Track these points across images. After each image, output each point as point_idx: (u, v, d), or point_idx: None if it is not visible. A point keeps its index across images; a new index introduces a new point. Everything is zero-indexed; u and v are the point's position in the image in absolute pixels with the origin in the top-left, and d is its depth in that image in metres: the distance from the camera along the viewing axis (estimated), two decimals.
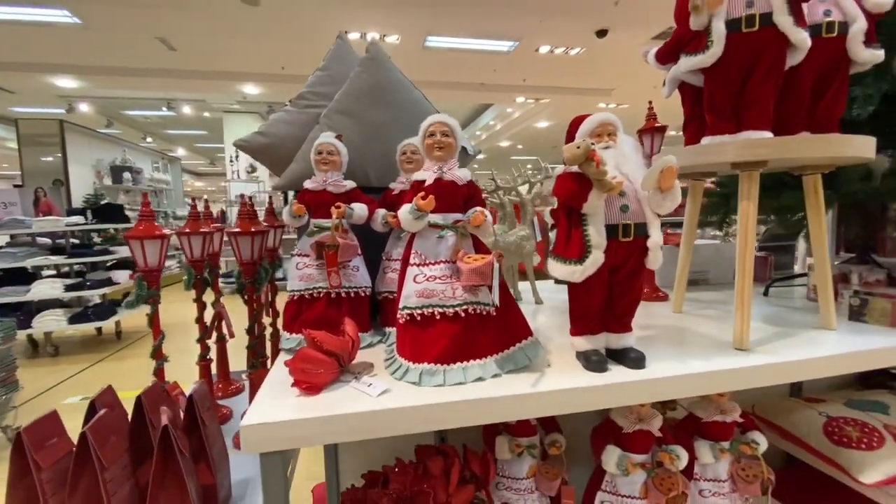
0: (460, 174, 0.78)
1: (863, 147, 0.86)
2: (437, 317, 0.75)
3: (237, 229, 1.10)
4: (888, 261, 1.30)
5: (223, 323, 1.28)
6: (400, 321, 0.78)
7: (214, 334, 1.25)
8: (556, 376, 0.75)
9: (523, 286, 1.46)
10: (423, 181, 0.78)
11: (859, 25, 0.87)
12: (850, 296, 1.08)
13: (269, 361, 1.29)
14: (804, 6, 0.84)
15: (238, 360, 1.32)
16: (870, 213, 1.39)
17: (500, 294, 0.78)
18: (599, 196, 0.72)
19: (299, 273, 0.95)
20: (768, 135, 0.86)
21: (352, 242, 0.93)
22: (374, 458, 1.04)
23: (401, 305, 0.78)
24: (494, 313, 0.78)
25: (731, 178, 1.43)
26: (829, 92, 0.92)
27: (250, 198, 1.43)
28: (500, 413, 0.69)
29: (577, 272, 0.74)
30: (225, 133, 9.66)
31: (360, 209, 0.95)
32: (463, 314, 0.75)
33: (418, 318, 0.76)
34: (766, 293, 1.41)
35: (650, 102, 1.40)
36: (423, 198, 0.72)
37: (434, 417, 0.66)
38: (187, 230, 1.11)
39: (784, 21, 0.80)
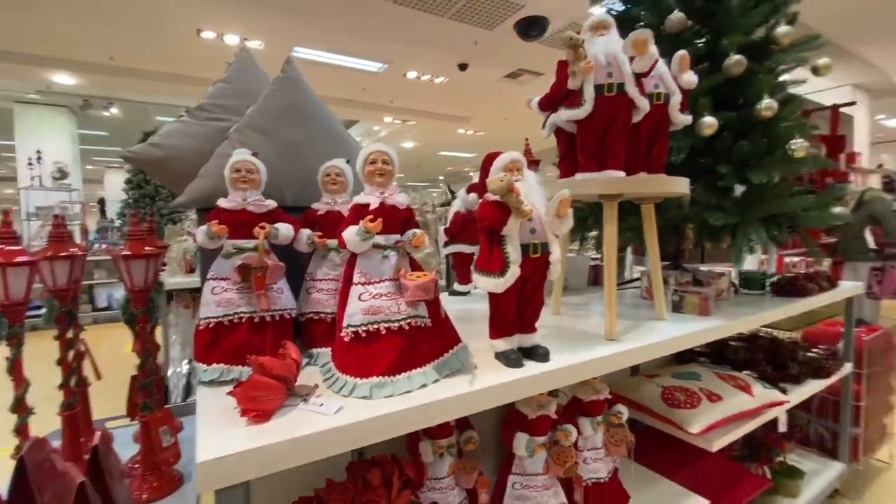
0: (400, 199, 0.85)
1: (682, 185, 1.19)
2: (383, 331, 0.80)
3: (127, 252, 0.97)
4: (691, 266, 1.77)
5: (82, 363, 1.09)
6: (344, 339, 0.80)
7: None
8: (485, 375, 0.86)
9: None
10: (367, 205, 0.82)
11: (676, 97, 1.21)
12: (671, 294, 1.45)
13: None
14: (643, 81, 1.14)
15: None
16: (678, 231, 1.86)
17: (435, 305, 0.87)
18: (516, 221, 0.87)
19: (216, 298, 0.89)
20: (623, 174, 1.13)
21: (278, 263, 0.91)
22: (290, 488, 1.00)
23: (345, 324, 0.80)
24: (430, 324, 0.86)
25: (586, 205, 1.76)
26: (657, 143, 1.24)
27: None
28: (449, 412, 0.77)
29: (500, 284, 0.87)
30: (16, 128, 7.66)
31: (285, 229, 0.94)
32: (407, 327, 0.81)
33: (363, 334, 0.79)
34: None
35: (527, 140, 1.66)
36: (372, 220, 0.77)
37: (393, 425, 0.71)
38: (50, 253, 0.93)
39: (632, 90, 1.08)
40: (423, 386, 0.80)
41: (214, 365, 0.86)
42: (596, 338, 1.13)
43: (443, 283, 1.79)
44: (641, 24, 1.51)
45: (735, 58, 1.28)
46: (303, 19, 4.66)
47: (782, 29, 1.34)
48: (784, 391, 1.57)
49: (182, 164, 1.03)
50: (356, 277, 0.81)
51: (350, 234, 0.78)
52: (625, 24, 1.54)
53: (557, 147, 1.30)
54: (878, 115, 9.06)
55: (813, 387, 1.72)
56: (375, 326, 0.79)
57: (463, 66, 5.90)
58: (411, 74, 6.23)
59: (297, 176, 1.08)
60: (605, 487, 1.20)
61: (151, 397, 1.06)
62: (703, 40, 1.41)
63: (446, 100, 7.38)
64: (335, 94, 7.11)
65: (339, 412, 0.70)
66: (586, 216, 1.72)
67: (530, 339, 0.97)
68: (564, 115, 1.13)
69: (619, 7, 1.65)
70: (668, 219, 1.43)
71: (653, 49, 1.07)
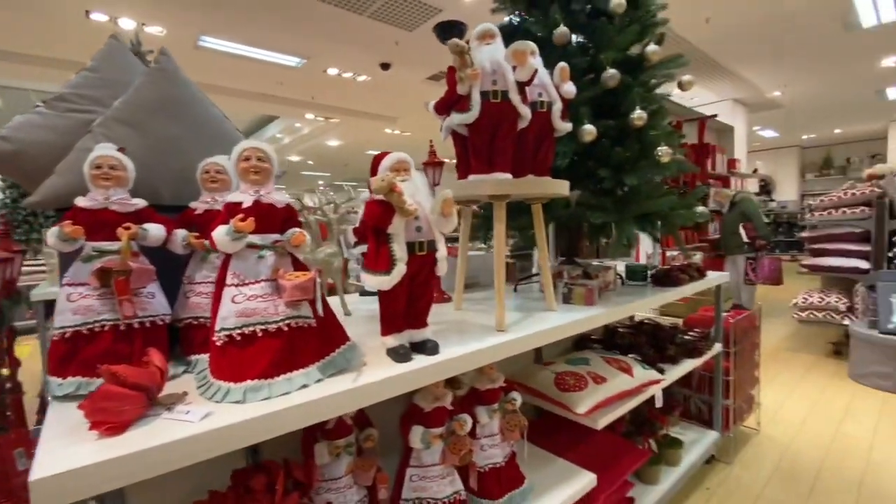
0: (279, 197, 0.84)
1: (563, 187, 1.29)
2: (260, 334, 0.78)
3: None
4: (584, 261, 1.92)
5: None
6: (217, 343, 0.77)
7: None
8: (372, 371, 0.88)
9: (332, 300, 1.54)
10: (240, 203, 0.80)
11: (558, 106, 1.31)
12: (562, 287, 1.56)
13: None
14: (527, 89, 1.22)
15: None
16: (573, 230, 2.01)
17: (322, 305, 0.87)
18: (401, 219, 0.90)
19: (72, 306, 0.81)
20: (510, 176, 1.21)
21: (146, 266, 0.86)
22: (172, 500, 0.95)
23: (217, 327, 0.77)
24: (315, 325, 0.86)
25: (490, 205, 1.85)
26: (542, 148, 1.33)
27: None
28: (329, 410, 0.77)
29: (387, 281, 0.89)
30: None
31: (155, 230, 0.88)
32: (286, 328, 0.80)
33: (238, 337, 0.77)
34: (515, 290, 1.87)
35: (431, 141, 1.70)
36: (242, 220, 0.75)
37: (265, 428, 0.70)
38: None
39: (515, 98, 1.15)
40: (304, 386, 0.79)
41: (70, 378, 0.79)
42: (488, 330, 1.19)
43: (357, 283, 1.78)
44: (539, 34, 1.61)
45: (610, 72, 1.42)
46: (211, 7, 4.35)
47: (651, 48, 1.50)
48: (661, 371, 1.76)
49: (37, 159, 0.93)
50: (229, 279, 0.79)
51: (219, 233, 0.75)
52: (518, 35, 1.64)
53: (455, 149, 1.35)
54: (755, 126, 10.41)
55: (687, 365, 1.94)
56: (251, 329, 0.78)
57: (385, 66, 5.86)
58: (332, 71, 6.07)
59: (176, 173, 1.02)
60: (502, 471, 1.27)
61: (4, 417, 0.94)
62: (586, 55, 1.54)
63: (370, 99, 7.29)
64: (249, 88, 6.74)
65: (207, 418, 0.68)
66: (489, 216, 1.80)
67: (420, 334, 1.00)
68: (455, 120, 1.18)
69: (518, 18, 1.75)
70: (556, 218, 1.55)
71: (532, 60, 1.15)
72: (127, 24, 4.61)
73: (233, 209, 0.79)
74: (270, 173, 0.84)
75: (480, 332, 1.18)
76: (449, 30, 4.73)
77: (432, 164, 1.57)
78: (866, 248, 3.68)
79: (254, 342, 0.78)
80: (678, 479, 1.94)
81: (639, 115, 1.43)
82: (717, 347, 2.22)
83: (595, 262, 1.84)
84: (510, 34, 1.67)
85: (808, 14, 4.77)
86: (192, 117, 1.07)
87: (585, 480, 1.39)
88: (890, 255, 3.54)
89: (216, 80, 6.39)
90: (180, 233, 0.93)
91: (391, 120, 8.86)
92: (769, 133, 11.29)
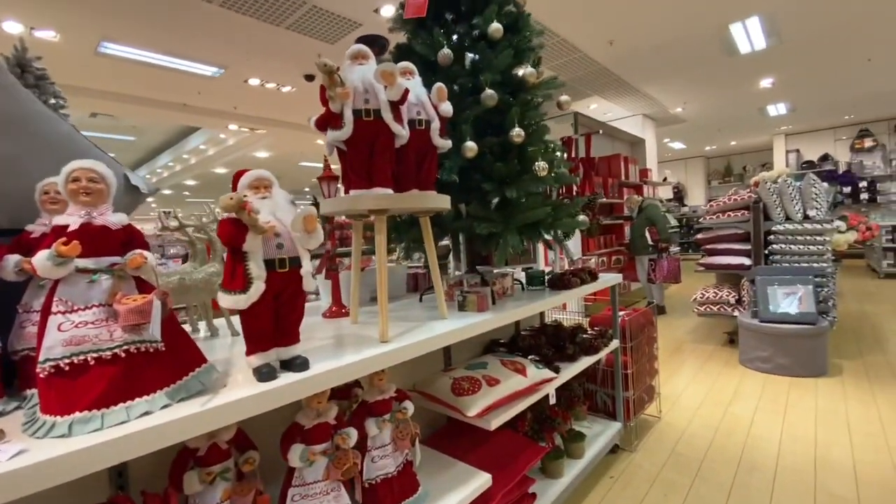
0: (114, 219, 0.81)
1: (442, 201, 1.35)
2: (92, 362, 0.75)
3: None
4: (485, 269, 2.00)
5: None
6: (41, 376, 0.73)
7: None
8: (229, 393, 0.86)
9: (219, 321, 1.50)
10: (66, 226, 0.76)
11: (436, 124, 1.37)
12: (457, 295, 1.63)
13: None
14: (402, 108, 1.27)
15: None
16: (481, 240, 2.09)
17: (169, 327, 0.85)
18: (255, 237, 0.90)
19: None
20: (389, 191, 1.25)
21: None
22: None
23: (41, 358, 0.73)
24: (162, 348, 0.83)
25: (399, 218, 1.88)
26: (425, 163, 1.39)
27: None
28: (168, 437, 0.75)
29: (242, 300, 0.89)
30: None
31: None
32: (123, 354, 0.77)
33: (66, 367, 0.73)
34: (420, 300, 1.91)
35: (325, 157, 1.71)
36: (66, 243, 0.72)
37: (88, 461, 0.67)
38: None
39: (387, 117, 1.20)
40: (146, 414, 0.77)
41: None
42: (372, 342, 1.21)
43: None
44: (425, 55, 1.67)
45: (488, 92, 1.51)
46: (111, 12, 4.07)
47: (528, 70, 1.62)
48: (557, 369, 1.87)
49: None
50: (55, 306, 0.75)
51: (40, 259, 0.72)
52: (405, 55, 1.71)
53: (340, 164, 1.37)
54: (665, 138, 11.41)
55: (585, 362, 2.08)
56: (81, 358, 0.74)
57: (309, 77, 5.77)
58: (253, 81, 5.88)
59: (14, 196, 0.95)
60: (394, 481, 1.29)
61: None
62: (471, 76, 1.63)
63: (296, 110, 7.13)
64: (164, 98, 6.35)
65: (18, 456, 0.64)
66: (398, 227, 1.83)
67: (289, 351, 1.00)
68: (330, 137, 1.21)
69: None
70: (450, 229, 1.61)
71: (402, 80, 1.21)
72: (13, 27, 4.20)
73: (59, 232, 0.76)
74: (104, 194, 0.81)
75: (364, 344, 1.19)
76: (370, 43, 4.75)
77: (327, 178, 1.58)
78: (748, 246, 4.15)
79: (85, 371, 0.74)
80: (582, 471, 2.06)
81: (517, 133, 1.54)
82: (615, 344, 2.40)
83: (496, 271, 1.93)
84: (403, 56, 1.73)
85: (694, 40, 5.35)
86: (34, 134, 1.00)
87: (480, 481, 1.44)
88: (766, 252, 4.02)
89: (123, 89, 5.97)
90: (12, 258, 0.87)
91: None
92: (678, 144, 12.42)
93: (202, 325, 1.45)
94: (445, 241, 2.34)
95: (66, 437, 0.69)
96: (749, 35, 5.22)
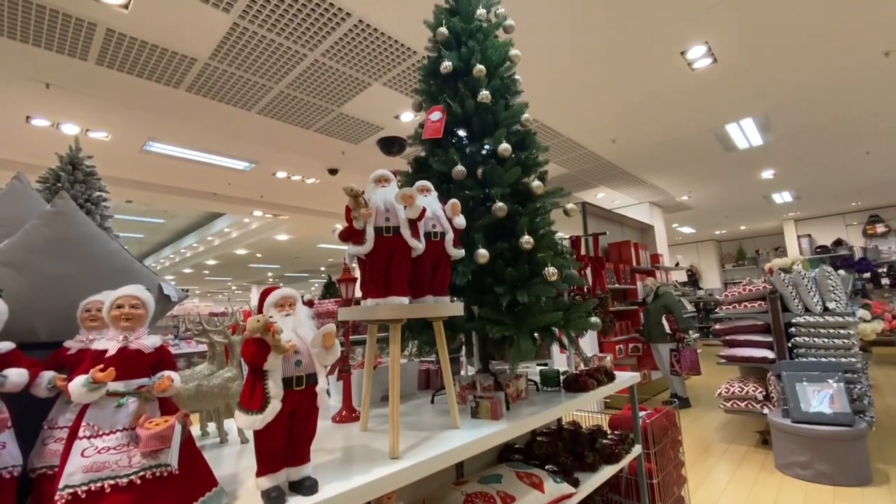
0: (148, 342, 0.86)
1: (455, 308, 1.40)
2: (108, 490, 0.75)
3: None
4: (500, 367, 1.98)
5: None
6: (59, 503, 0.73)
7: None
8: None
9: (230, 425, 1.48)
10: (104, 351, 0.82)
11: (450, 235, 1.46)
12: (470, 401, 1.60)
13: None
14: (419, 224, 1.37)
15: None
16: (493, 342, 2.08)
17: (185, 448, 0.86)
18: (276, 356, 0.94)
19: None
20: (405, 300, 1.30)
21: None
22: None
23: (61, 485, 0.74)
24: (177, 471, 0.83)
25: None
26: (439, 271, 1.46)
27: None
28: None
29: (258, 421, 0.91)
30: None
31: (15, 376, 0.86)
32: (139, 481, 0.78)
33: (83, 495, 0.74)
34: (432, 401, 1.87)
35: (345, 262, 1.80)
36: (102, 370, 0.76)
37: None
38: None
39: (406, 233, 1.29)
40: None
41: None
42: (382, 457, 1.18)
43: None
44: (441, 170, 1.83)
45: (498, 205, 1.63)
46: (159, 115, 4.57)
47: (535, 183, 1.75)
48: (576, 482, 1.76)
49: None
50: (82, 431, 0.77)
51: (76, 385, 0.76)
52: (422, 167, 1.87)
53: (360, 273, 1.45)
54: (673, 223, 11.63)
55: (605, 472, 1.96)
56: (98, 485, 0.75)
57: (333, 171, 6.22)
58: (281, 174, 6.34)
59: (59, 310, 1.03)
60: None
61: None
62: (482, 188, 1.77)
63: (319, 198, 7.58)
64: (197, 188, 6.84)
65: None
66: (404, 328, 1.86)
67: (299, 472, 0.99)
68: (352, 250, 1.29)
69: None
70: (459, 330, 1.64)
71: (420, 199, 1.32)
72: (70, 129, 4.71)
73: (96, 357, 0.81)
74: (143, 318, 0.88)
75: (374, 459, 1.17)
76: (390, 144, 5.19)
77: (346, 281, 1.65)
78: (770, 338, 4.03)
79: (100, 499, 0.74)
80: None
81: (526, 240, 1.62)
82: (637, 450, 2.26)
83: (509, 370, 1.91)
84: (421, 168, 1.90)
85: (693, 138, 5.70)
86: (85, 255, 1.10)
87: None
88: (789, 345, 3.89)
89: (162, 181, 6.47)
90: (46, 375, 0.91)
91: (341, 216, 9.15)
92: (687, 229, 12.62)
93: (211, 425, 1.44)
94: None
95: None
96: (745, 133, 5.56)
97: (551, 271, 1.60)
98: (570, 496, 1.65)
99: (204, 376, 1.36)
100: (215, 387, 1.33)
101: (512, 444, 2.16)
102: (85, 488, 0.74)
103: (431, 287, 1.43)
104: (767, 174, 7.43)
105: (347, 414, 1.62)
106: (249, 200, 7.65)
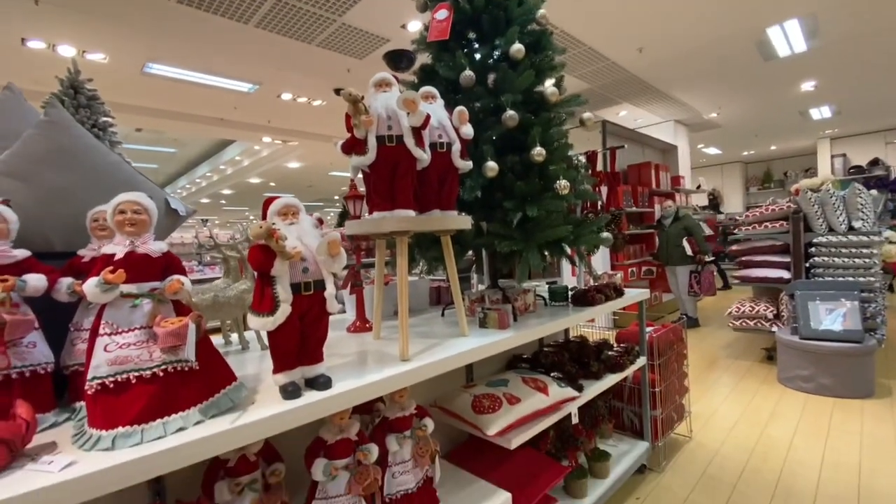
0: (155, 247, 0.88)
1: (462, 222, 1.38)
2: (133, 380, 0.81)
3: None
4: (508, 283, 2.01)
5: None
6: (88, 392, 0.80)
7: None
8: (257, 410, 0.91)
9: (250, 334, 1.57)
10: (113, 255, 0.83)
11: (457, 146, 1.40)
12: (478, 312, 1.64)
13: None
14: (423, 132, 1.31)
15: None
16: (502, 257, 2.10)
17: (203, 347, 0.90)
18: (283, 262, 0.95)
19: None
20: (412, 213, 1.28)
21: (24, 317, 0.87)
22: None
23: (89, 377, 0.80)
24: (197, 367, 0.89)
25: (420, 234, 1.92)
26: (446, 184, 1.42)
27: None
28: (201, 453, 0.80)
29: (270, 322, 0.94)
30: None
31: (35, 281, 0.90)
32: (161, 374, 0.83)
33: (111, 385, 0.80)
34: (442, 314, 1.93)
35: (352, 179, 1.77)
36: (112, 271, 0.78)
37: (129, 474, 0.72)
38: None
39: (409, 142, 1.24)
40: (181, 430, 0.82)
41: None
42: (393, 360, 1.24)
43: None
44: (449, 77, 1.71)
45: (509, 113, 1.53)
46: (156, 35, 4.34)
47: (550, 89, 1.63)
48: (580, 388, 1.85)
49: None
50: (102, 328, 0.81)
51: (89, 286, 0.78)
52: (428, 76, 1.75)
53: (365, 186, 1.42)
54: (699, 144, 11.07)
55: (610, 380, 2.05)
56: (124, 376, 0.80)
57: (339, 91, 5.93)
58: (286, 96, 6.11)
59: (68, 221, 1.04)
60: (414, 497, 1.31)
61: None
62: (493, 96, 1.66)
63: (327, 122, 7.35)
64: (203, 113, 6.67)
65: (68, 468, 0.70)
66: (412, 245, 1.87)
67: (313, 370, 1.04)
68: (354, 161, 1.26)
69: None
70: (466, 246, 1.63)
71: (423, 106, 1.24)
72: (67, 51, 4.53)
73: (106, 260, 0.83)
74: (147, 224, 0.88)
75: (385, 362, 1.23)
76: (399, 58, 4.86)
77: (353, 198, 1.63)
78: (787, 259, 3.97)
79: (127, 389, 0.80)
80: (606, 491, 2.02)
81: (538, 152, 1.55)
82: (642, 361, 2.35)
83: (518, 286, 1.93)
84: (427, 77, 1.78)
85: (728, 46, 5.19)
86: (86, 166, 1.09)
87: (500, 500, 1.44)
88: (807, 265, 3.84)
89: (166, 105, 6.31)
90: (65, 281, 0.95)
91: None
92: (713, 150, 12.02)
93: (234, 336, 1.53)
94: (469, 256, 2.36)
95: (109, 450, 0.75)
96: (788, 38, 5.03)
97: (563, 184, 1.55)
98: (573, 399, 1.75)
99: (220, 289, 1.40)
100: (231, 298, 1.38)
101: (519, 354, 2.26)
102: (112, 379, 0.80)
103: (438, 201, 1.40)
104: (807, 86, 6.84)
105: (361, 325, 1.68)
106: (257, 126, 7.47)
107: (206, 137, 9.32)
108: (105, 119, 3.13)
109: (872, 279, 3.56)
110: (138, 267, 0.84)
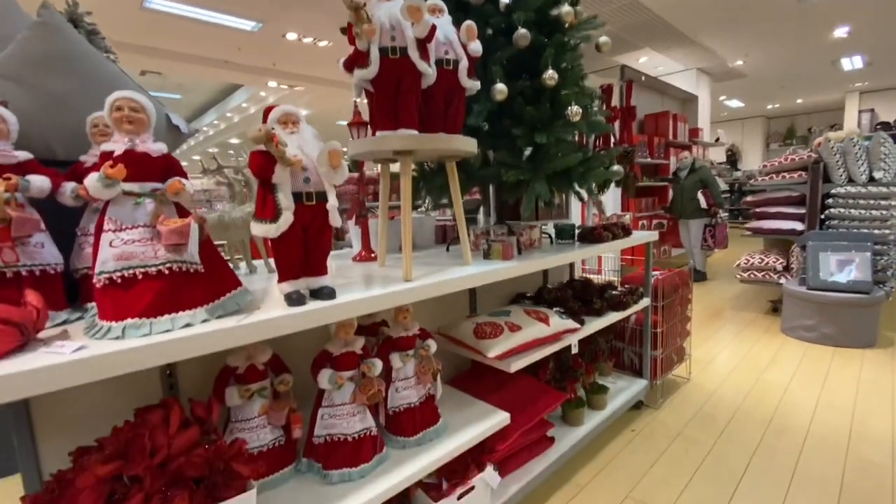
0: (154, 147, 0.87)
1: (468, 143, 1.34)
2: (140, 276, 0.82)
3: None
4: (514, 222, 1.99)
5: None
6: (97, 286, 0.81)
7: None
8: (262, 314, 0.93)
9: (258, 263, 1.59)
10: (112, 152, 0.83)
11: (464, 63, 1.34)
12: (482, 244, 1.64)
13: None
14: (429, 46, 1.25)
15: None
16: (508, 188, 2.06)
17: (206, 251, 0.91)
18: (284, 169, 0.94)
19: None
20: (415, 132, 1.25)
21: (30, 216, 0.88)
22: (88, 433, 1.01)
23: (97, 271, 0.81)
24: (202, 270, 0.90)
25: (422, 167, 1.89)
26: (452, 105, 1.37)
27: None
28: (207, 346, 0.83)
29: (273, 229, 0.94)
30: None
31: (38, 181, 0.90)
32: (167, 271, 0.84)
33: (118, 280, 0.81)
34: (447, 249, 1.93)
35: (355, 102, 1.71)
36: (112, 166, 0.78)
37: (134, 359, 0.75)
38: None
39: (413, 55, 1.18)
40: (188, 326, 0.85)
41: None
42: (397, 280, 1.26)
43: None
44: None
45: (521, 31, 1.45)
46: None
47: (565, 9, 1.54)
48: (582, 321, 1.88)
49: None
50: (106, 224, 0.82)
51: (91, 180, 0.78)
52: None
53: (368, 107, 1.38)
54: (721, 96, 10.58)
55: (612, 317, 2.07)
56: (131, 272, 0.82)
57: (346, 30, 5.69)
58: (291, 36, 5.88)
59: (69, 129, 1.03)
60: (416, 411, 1.37)
61: None
62: (504, 15, 1.56)
63: (333, 66, 7.09)
64: (208, 54, 6.48)
65: (79, 351, 0.73)
66: (417, 178, 1.84)
67: (318, 282, 1.06)
68: (357, 76, 1.21)
69: None
70: (472, 176, 1.60)
71: (429, 17, 1.18)
72: None
73: (106, 157, 0.82)
74: (145, 123, 0.87)
75: (388, 282, 1.24)
76: None
77: (356, 124, 1.59)
78: (802, 210, 3.88)
79: (134, 284, 0.82)
80: (603, 422, 2.10)
81: (550, 76, 1.48)
82: (645, 301, 2.36)
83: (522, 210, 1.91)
84: None
85: None
86: (83, 72, 1.06)
87: (499, 418, 1.50)
88: (822, 216, 3.75)
89: (170, 45, 6.12)
90: (69, 185, 0.95)
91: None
92: (735, 103, 11.50)
93: (242, 265, 1.55)
94: (475, 197, 2.34)
95: (119, 339, 0.78)
96: None
97: (575, 110, 1.49)
98: (574, 331, 1.77)
99: (226, 210, 1.41)
100: (237, 219, 1.39)
101: (523, 293, 2.28)
102: (119, 274, 0.81)
103: (444, 123, 1.36)
104: (841, 32, 6.41)
105: (366, 254, 1.70)
106: (262, 69, 7.26)
107: (211, 81, 9.09)
108: (107, 55, 3.05)
109: (888, 231, 3.48)
110: (138, 165, 0.83)
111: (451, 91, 1.34)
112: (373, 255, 1.71)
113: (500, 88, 1.45)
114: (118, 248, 0.81)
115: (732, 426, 2.30)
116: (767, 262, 4.08)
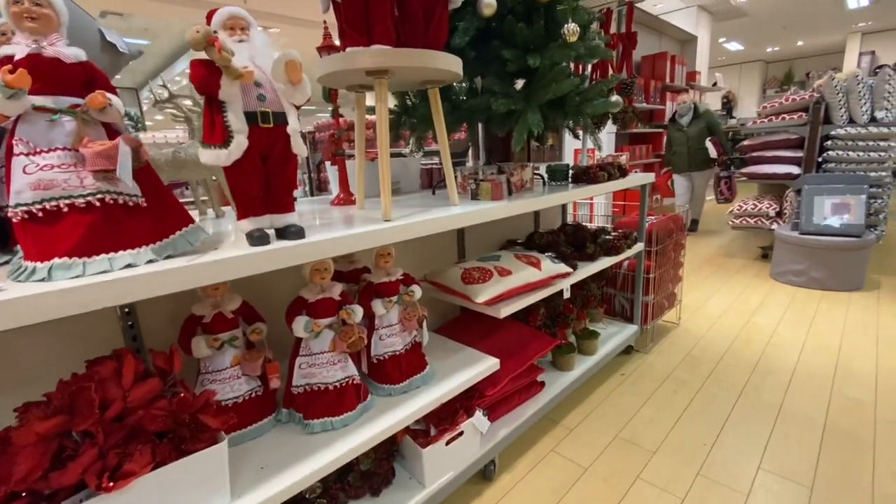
0: (68, 52, 0.71)
1: (453, 63, 1.18)
2: (65, 209, 0.70)
3: None
4: (504, 163, 1.86)
5: None
6: (14, 220, 0.69)
7: None
8: (219, 254, 0.83)
9: (227, 209, 1.46)
10: (12, 56, 0.68)
11: None
12: (470, 184, 1.52)
13: None
14: None
15: None
16: (498, 119, 1.90)
17: (149, 182, 0.79)
18: (232, 83, 0.80)
19: None
20: (390, 48, 1.09)
21: None
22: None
23: (12, 203, 0.69)
24: (144, 204, 0.78)
25: (405, 103, 1.72)
26: (433, 20, 1.20)
27: None
28: (150, 288, 0.72)
29: (223, 156, 0.82)
30: None
31: None
32: (98, 203, 0.72)
33: (39, 213, 0.69)
34: (433, 193, 1.81)
35: (325, 22, 1.52)
36: (12, 72, 0.64)
37: (60, 303, 0.64)
38: None
39: None
40: (130, 266, 0.74)
41: None
42: (376, 221, 1.15)
43: None
44: None
45: None
46: None
47: None
48: (574, 266, 1.80)
49: None
50: (16, 147, 0.69)
51: None
52: None
53: (337, 22, 1.20)
54: (720, 37, 10.13)
55: (604, 262, 2.00)
56: (53, 204, 0.70)
57: None
58: None
59: None
60: (402, 358, 1.30)
61: None
62: None
63: (309, 4, 6.57)
64: None
65: None
66: (399, 113, 1.69)
67: (283, 220, 0.95)
68: None
69: None
70: (458, 107, 1.46)
71: None
72: None
73: (4, 63, 0.67)
74: (53, 21, 0.71)
75: (367, 222, 1.13)
76: None
77: (327, 48, 1.42)
78: (800, 154, 3.78)
79: (60, 218, 0.70)
80: (593, 366, 2.09)
81: None
82: (639, 247, 2.29)
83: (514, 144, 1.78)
84: None
85: None
86: None
87: (489, 364, 1.45)
88: (819, 159, 3.66)
89: None
90: None
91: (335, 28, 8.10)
92: (734, 45, 11.06)
93: (210, 211, 1.42)
94: (462, 137, 2.19)
95: (46, 280, 0.67)
96: None
97: (571, 28, 1.33)
98: (566, 275, 1.70)
99: (181, 146, 1.26)
100: (194, 155, 1.24)
101: (514, 239, 2.19)
102: (39, 206, 0.69)
103: (425, 40, 1.19)
104: None
105: (345, 197, 1.57)
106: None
107: (180, 23, 8.41)
108: None
109: (884, 174, 3.41)
110: (49, 75, 0.68)
111: (430, 3, 1.17)
112: (352, 197, 1.58)
113: (488, 2, 1.27)
114: (33, 175, 0.68)
115: (720, 368, 2.31)
116: (760, 208, 4.02)
